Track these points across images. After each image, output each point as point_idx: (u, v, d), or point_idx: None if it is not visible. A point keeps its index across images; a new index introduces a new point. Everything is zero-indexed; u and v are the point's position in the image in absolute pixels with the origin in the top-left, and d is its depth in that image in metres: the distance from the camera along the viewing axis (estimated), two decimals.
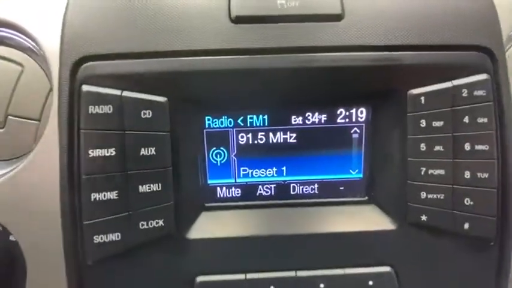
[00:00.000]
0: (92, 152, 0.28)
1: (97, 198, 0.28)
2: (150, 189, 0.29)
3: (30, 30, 0.33)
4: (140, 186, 0.29)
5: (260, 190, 0.35)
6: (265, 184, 0.35)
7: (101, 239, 0.28)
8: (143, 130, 0.29)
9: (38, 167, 0.31)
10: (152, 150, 0.29)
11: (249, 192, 0.35)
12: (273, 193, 0.35)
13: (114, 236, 0.29)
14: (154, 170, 0.29)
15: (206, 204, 0.34)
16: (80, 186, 0.28)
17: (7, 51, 0.34)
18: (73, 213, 0.29)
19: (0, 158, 0.35)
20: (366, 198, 0.35)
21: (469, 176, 0.30)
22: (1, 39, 0.35)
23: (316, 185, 0.35)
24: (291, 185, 0.35)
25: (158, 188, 0.29)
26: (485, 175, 0.30)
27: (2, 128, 0.34)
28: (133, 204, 0.29)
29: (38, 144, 0.32)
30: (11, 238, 0.33)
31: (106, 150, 0.28)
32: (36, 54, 0.34)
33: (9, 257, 0.33)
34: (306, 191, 0.35)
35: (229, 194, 0.35)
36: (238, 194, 0.35)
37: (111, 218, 0.29)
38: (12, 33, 0.34)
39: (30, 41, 0.34)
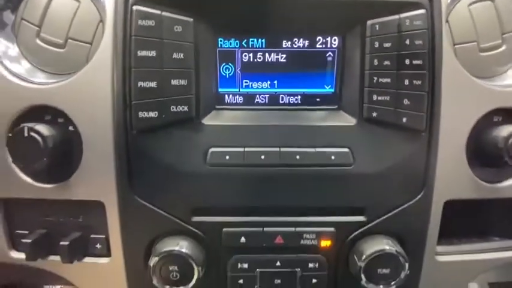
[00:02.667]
0: (140, 52, 0.40)
1: (142, 86, 0.40)
2: (179, 83, 0.41)
3: None
4: (172, 80, 0.41)
5: (257, 98, 0.47)
6: (261, 94, 0.47)
7: (144, 114, 0.40)
8: (175, 40, 0.41)
9: (94, 71, 0.43)
10: (181, 55, 0.41)
11: (249, 99, 0.46)
12: (266, 101, 0.47)
13: (153, 114, 0.41)
14: (182, 69, 0.41)
15: (217, 106, 0.46)
16: (131, 77, 0.40)
17: None
18: (124, 96, 0.41)
19: (62, 72, 0.47)
20: (336, 107, 0.47)
21: (407, 83, 0.42)
22: None
23: (299, 96, 0.47)
24: (280, 95, 0.47)
25: (184, 83, 0.41)
26: (419, 82, 0.41)
27: (64, 48, 0.46)
28: (167, 92, 0.41)
29: (94, 57, 0.43)
30: (70, 128, 0.45)
31: (149, 51, 0.40)
32: None
33: (68, 140, 0.45)
34: (291, 100, 0.47)
35: (234, 100, 0.47)
36: (241, 100, 0.47)
37: (151, 101, 0.41)
38: None
39: None
